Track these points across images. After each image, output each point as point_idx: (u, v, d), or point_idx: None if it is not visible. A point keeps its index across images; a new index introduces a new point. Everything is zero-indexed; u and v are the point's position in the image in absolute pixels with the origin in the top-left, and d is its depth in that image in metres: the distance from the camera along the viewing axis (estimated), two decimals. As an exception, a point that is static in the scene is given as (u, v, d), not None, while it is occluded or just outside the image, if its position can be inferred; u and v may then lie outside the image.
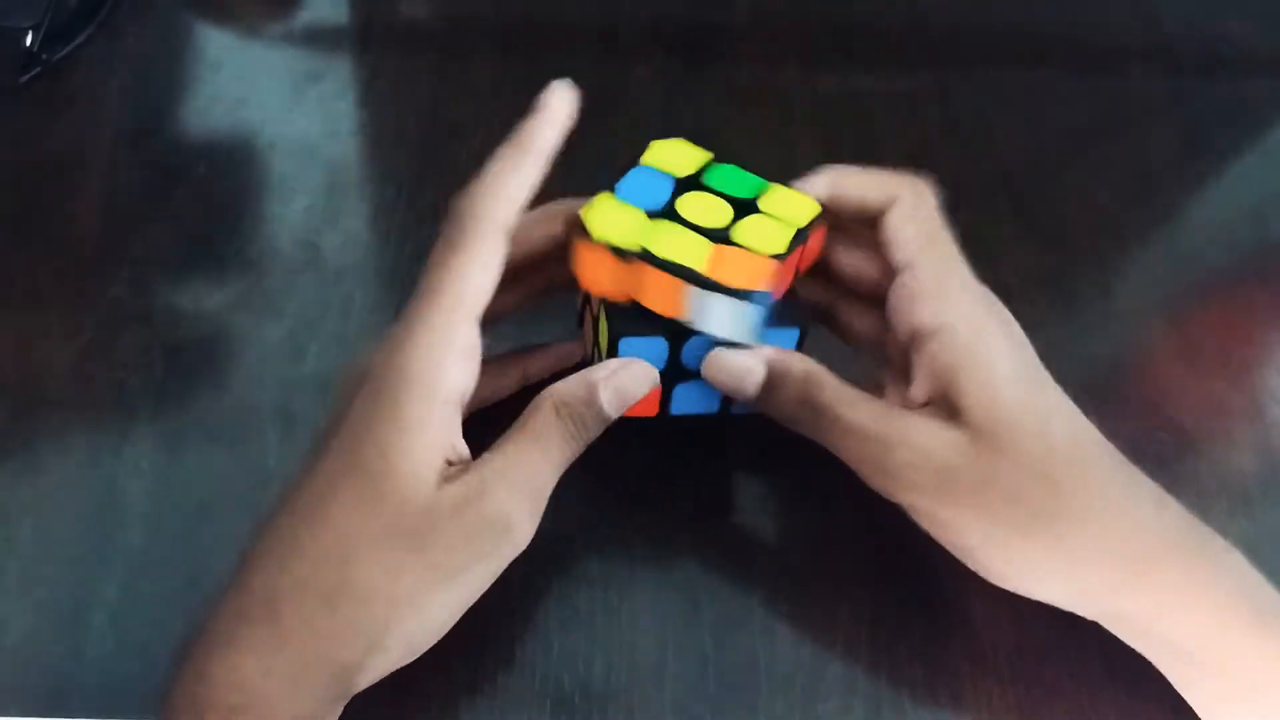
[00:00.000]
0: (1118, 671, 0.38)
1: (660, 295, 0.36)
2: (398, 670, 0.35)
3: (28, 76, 0.53)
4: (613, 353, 0.37)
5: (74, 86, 0.54)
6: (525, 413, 0.35)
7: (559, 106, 0.37)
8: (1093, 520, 0.34)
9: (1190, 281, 0.51)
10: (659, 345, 0.37)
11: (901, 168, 0.52)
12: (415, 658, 0.34)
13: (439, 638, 0.34)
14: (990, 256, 0.49)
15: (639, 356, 0.37)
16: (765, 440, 0.40)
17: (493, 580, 0.34)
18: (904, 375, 0.38)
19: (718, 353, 0.37)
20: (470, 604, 0.34)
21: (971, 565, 0.37)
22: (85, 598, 0.39)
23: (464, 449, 0.34)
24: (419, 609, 0.33)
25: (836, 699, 0.38)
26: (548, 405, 0.35)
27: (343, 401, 0.34)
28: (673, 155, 0.40)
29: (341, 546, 0.32)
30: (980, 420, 0.34)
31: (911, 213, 0.38)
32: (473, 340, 0.34)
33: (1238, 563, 0.35)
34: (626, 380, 0.36)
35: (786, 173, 0.52)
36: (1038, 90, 0.57)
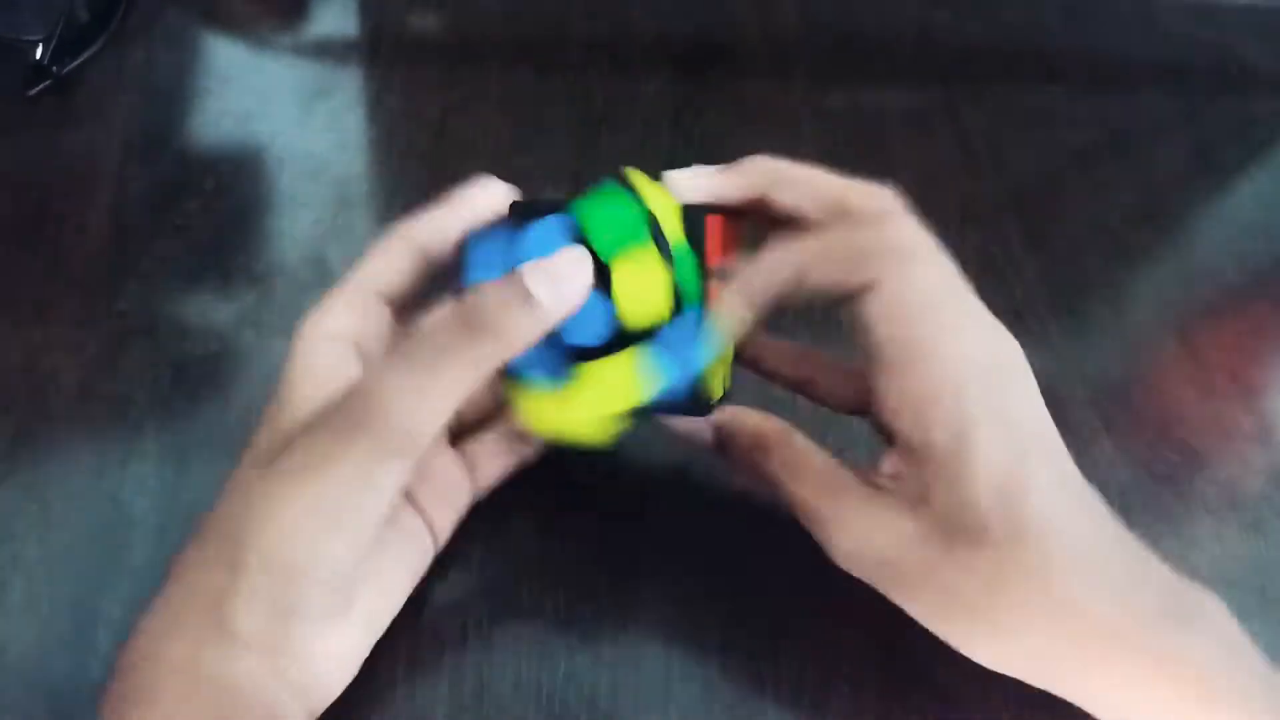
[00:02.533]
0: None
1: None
2: (401, 690, 0.35)
3: (37, 89, 0.53)
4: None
5: (83, 99, 0.54)
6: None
7: (472, 199, 0.37)
8: (1047, 607, 0.32)
9: (1201, 300, 0.51)
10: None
11: (911, 186, 0.53)
12: (298, 585, 0.31)
13: (329, 563, 0.32)
14: (1000, 275, 0.50)
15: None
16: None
17: (375, 489, 0.32)
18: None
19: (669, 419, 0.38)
20: (355, 522, 0.32)
21: None
22: (90, 615, 0.39)
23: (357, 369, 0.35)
24: (271, 521, 0.31)
25: (844, 722, 0.37)
26: (461, 299, 0.33)
27: None
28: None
29: (232, 479, 0.33)
30: (943, 524, 0.32)
31: (893, 300, 0.33)
32: (364, 303, 0.36)
33: (1223, 632, 0.32)
34: (555, 260, 0.33)
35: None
36: (1047, 108, 0.57)
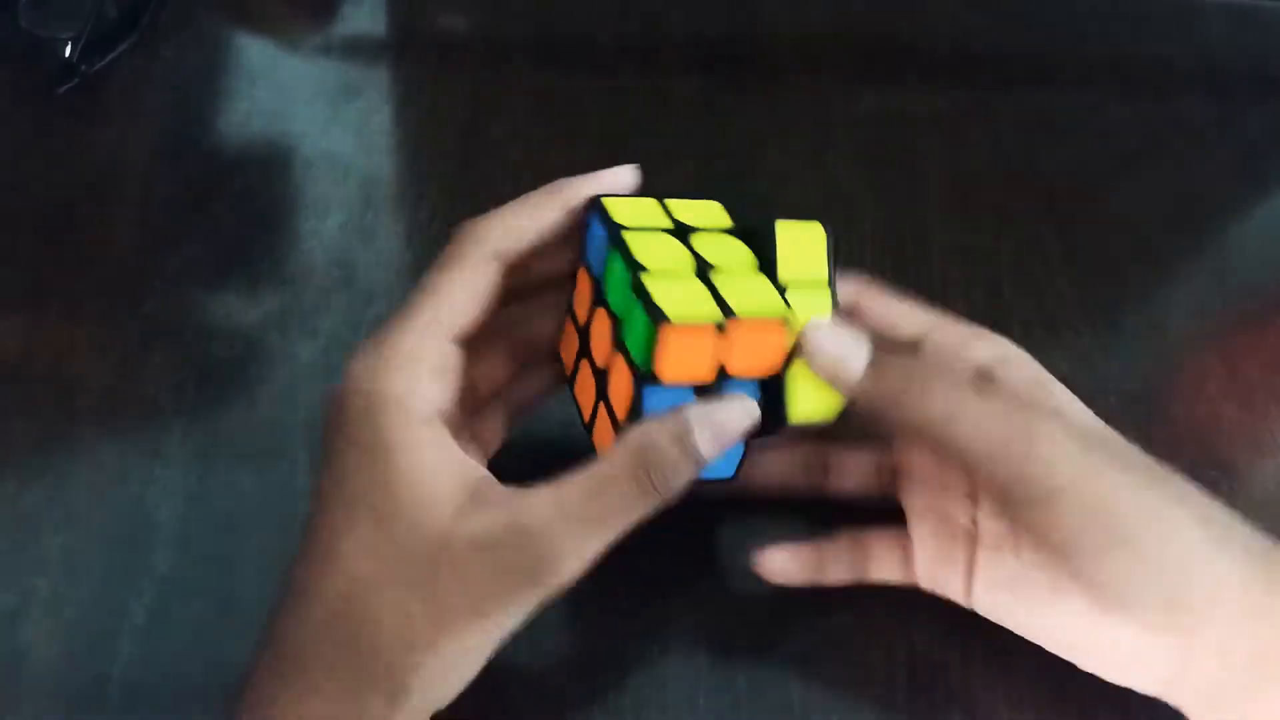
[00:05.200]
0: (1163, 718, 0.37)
1: (757, 353, 0.34)
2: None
3: (66, 87, 0.53)
4: (636, 409, 0.33)
5: (112, 98, 0.54)
6: (610, 449, 0.32)
7: (611, 178, 0.36)
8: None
9: (1239, 311, 0.50)
10: (685, 395, 0.33)
11: (945, 191, 0.52)
12: (450, 699, 0.32)
13: (472, 677, 0.32)
14: (1035, 284, 0.49)
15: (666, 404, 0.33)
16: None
17: (524, 618, 0.31)
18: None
19: (817, 323, 0.34)
20: (502, 642, 0.32)
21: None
22: (114, 619, 0.39)
23: (479, 469, 0.32)
24: (438, 652, 0.30)
25: (873, 742, 0.37)
26: (630, 446, 0.31)
27: (328, 432, 0.33)
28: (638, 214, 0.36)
29: (353, 589, 0.31)
30: (1084, 421, 0.35)
31: (891, 295, 0.37)
32: (450, 358, 0.33)
33: None
34: (724, 417, 0.32)
35: (826, 194, 0.51)
36: (1084, 114, 0.56)
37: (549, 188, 0.35)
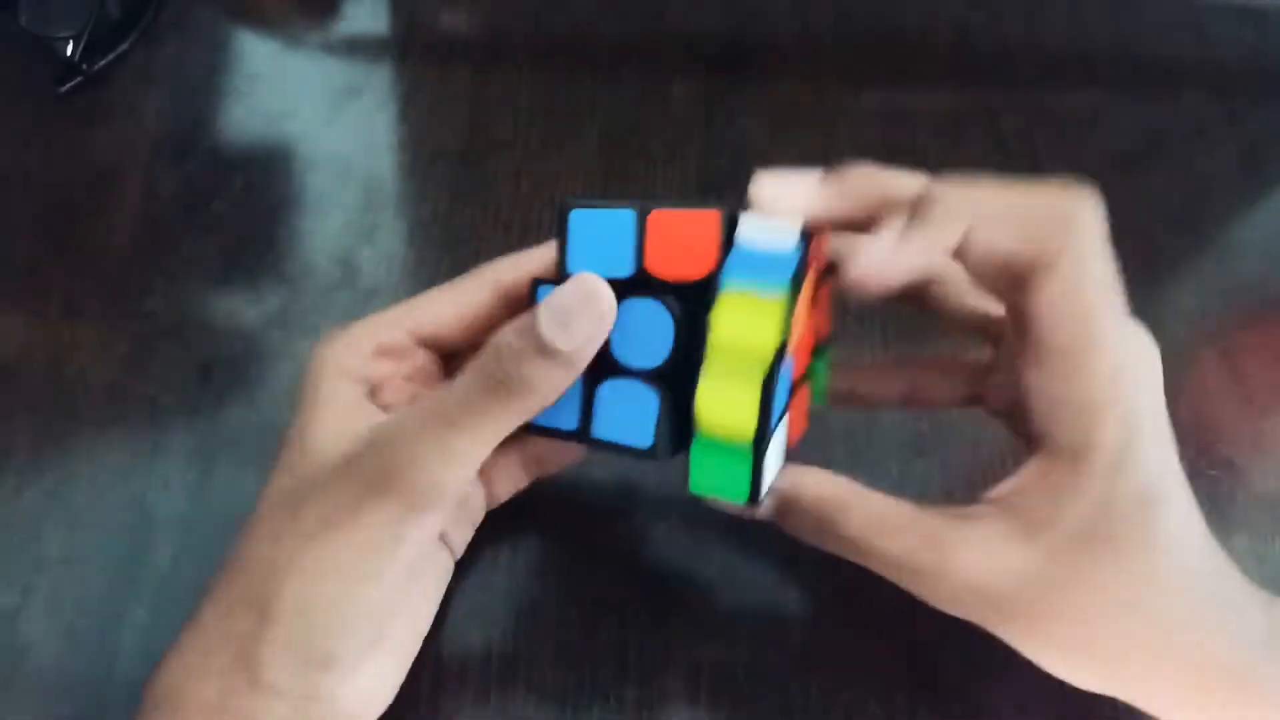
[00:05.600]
0: None
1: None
2: (424, 706, 0.35)
3: (68, 86, 0.53)
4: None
5: (113, 97, 0.54)
6: None
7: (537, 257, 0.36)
8: (1176, 630, 0.31)
9: (1242, 311, 0.50)
10: (624, 220, 0.32)
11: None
12: (328, 633, 0.31)
13: (354, 611, 0.31)
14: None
15: None
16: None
17: (398, 543, 0.31)
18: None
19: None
20: (378, 572, 0.31)
21: None
22: (115, 617, 0.39)
23: (380, 414, 0.33)
24: (301, 571, 0.30)
25: (874, 740, 0.37)
26: (483, 349, 0.31)
27: None
28: None
29: (250, 523, 0.33)
30: (1070, 543, 0.31)
31: (1074, 282, 0.31)
32: (399, 343, 0.35)
33: None
34: (565, 297, 0.30)
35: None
36: (1088, 112, 0.56)
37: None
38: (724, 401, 0.30)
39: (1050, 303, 0.31)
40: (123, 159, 0.51)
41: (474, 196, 0.50)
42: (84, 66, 0.53)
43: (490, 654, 0.38)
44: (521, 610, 0.39)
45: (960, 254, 0.31)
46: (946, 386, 0.38)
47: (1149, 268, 0.50)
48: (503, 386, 0.30)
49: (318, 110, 0.54)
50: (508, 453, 0.37)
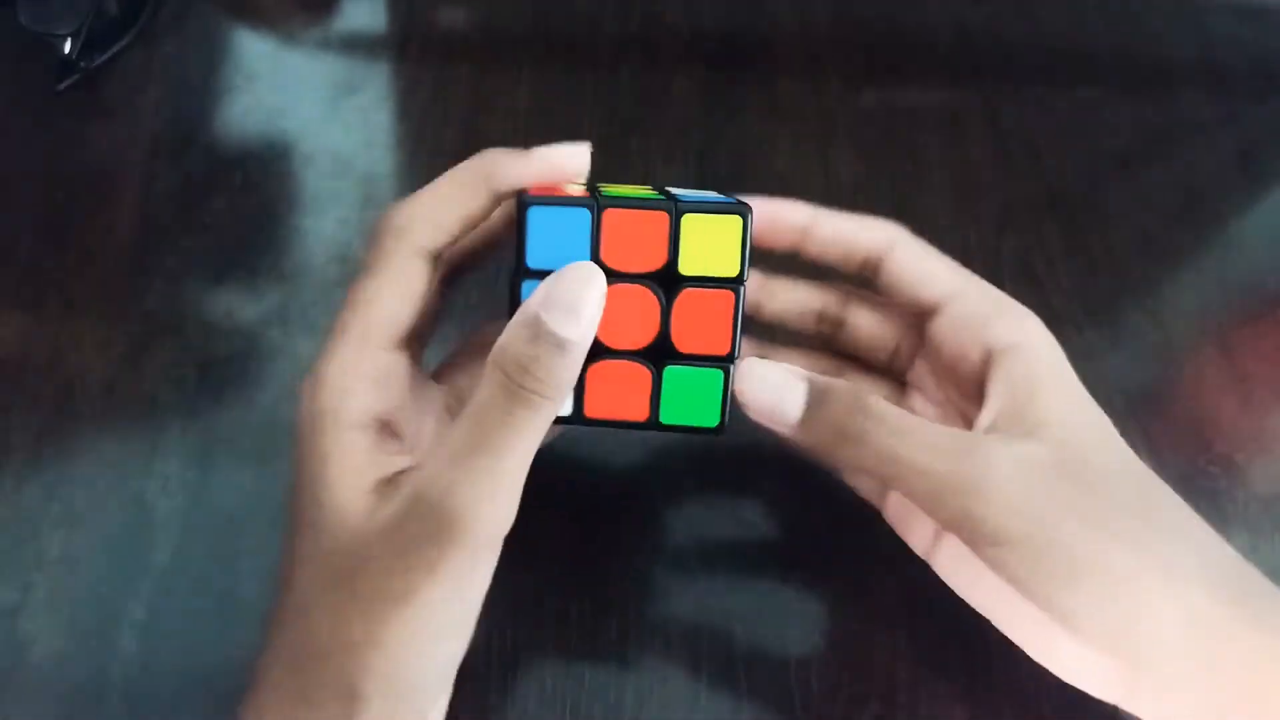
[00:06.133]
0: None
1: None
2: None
3: (66, 84, 0.53)
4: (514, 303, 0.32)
5: (111, 95, 0.54)
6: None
7: (554, 157, 0.33)
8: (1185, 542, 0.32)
9: (1241, 308, 0.50)
10: (580, 218, 0.32)
11: (947, 187, 0.52)
12: (424, 696, 0.31)
13: (439, 667, 0.31)
14: (1037, 280, 0.49)
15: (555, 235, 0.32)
16: (803, 469, 0.40)
17: (474, 588, 0.30)
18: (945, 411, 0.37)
19: (750, 363, 0.33)
20: (458, 621, 0.31)
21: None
22: (113, 615, 0.39)
23: (396, 461, 0.31)
24: (381, 647, 0.29)
25: (874, 737, 0.37)
26: (488, 366, 0.30)
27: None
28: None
29: (298, 602, 0.30)
30: (1062, 436, 0.32)
31: (924, 250, 0.37)
32: (386, 365, 0.32)
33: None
34: (565, 287, 0.30)
35: (827, 189, 0.51)
36: (1087, 110, 0.56)
37: (473, 167, 0.33)
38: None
39: (918, 262, 0.36)
40: (121, 156, 0.51)
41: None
42: (82, 64, 0.53)
43: (490, 654, 0.38)
44: (521, 610, 0.39)
45: (817, 244, 0.37)
46: (873, 330, 0.39)
47: (1146, 265, 0.50)
48: (527, 393, 0.29)
49: (316, 107, 0.54)
50: (428, 410, 0.36)
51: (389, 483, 0.30)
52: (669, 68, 0.56)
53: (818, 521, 0.41)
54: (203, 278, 0.47)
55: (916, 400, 0.39)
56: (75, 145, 0.52)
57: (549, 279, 0.31)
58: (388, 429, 0.32)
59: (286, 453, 0.42)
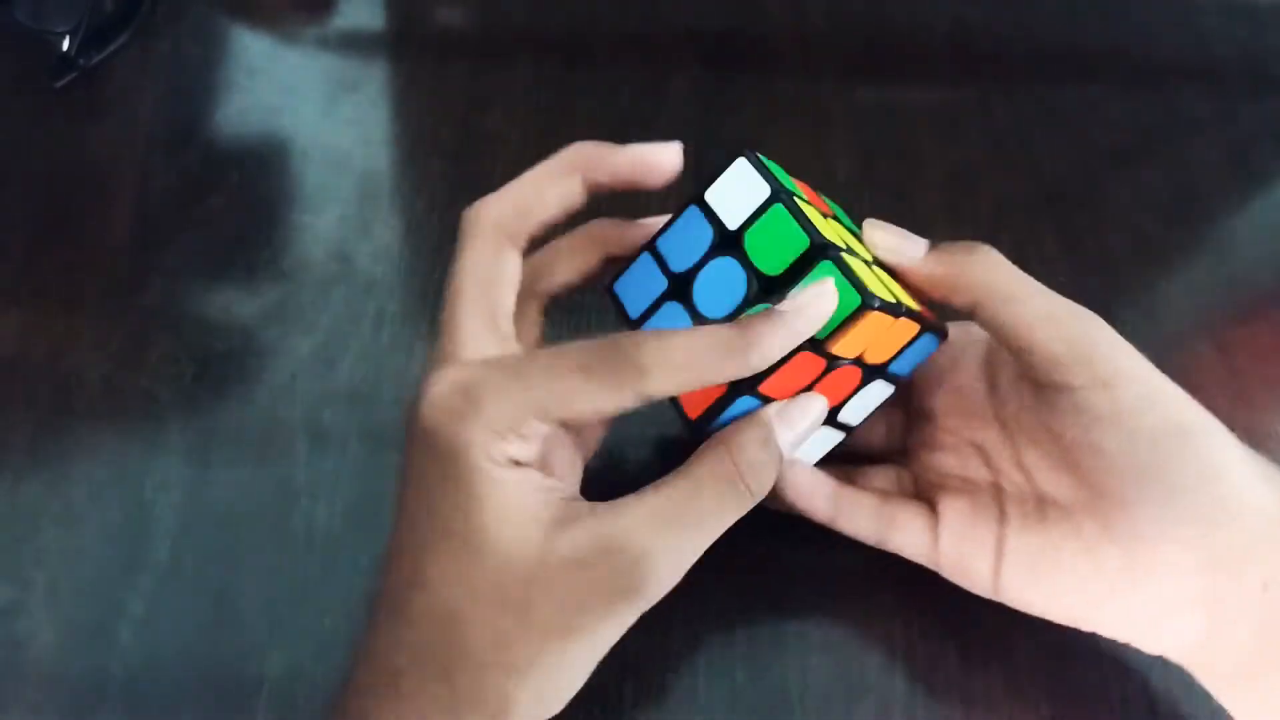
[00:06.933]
0: (1160, 710, 0.37)
1: (887, 345, 0.35)
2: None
3: (64, 81, 0.53)
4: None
5: (109, 92, 0.54)
6: (691, 458, 0.32)
7: (648, 155, 0.35)
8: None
9: (1235, 305, 0.50)
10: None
11: (942, 185, 0.52)
12: (557, 711, 0.31)
13: (577, 688, 0.32)
14: (1032, 277, 0.49)
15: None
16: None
17: (622, 630, 0.31)
18: None
19: (873, 222, 0.36)
20: (603, 655, 0.31)
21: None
22: (112, 611, 0.39)
23: (563, 489, 0.32)
24: (540, 671, 0.30)
25: (871, 732, 0.37)
26: (718, 450, 0.32)
27: (414, 455, 0.32)
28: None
29: (447, 612, 0.30)
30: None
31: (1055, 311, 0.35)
32: (505, 349, 0.33)
33: None
34: (798, 408, 0.34)
35: (824, 186, 0.51)
36: (1082, 107, 0.56)
37: (566, 155, 0.35)
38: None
39: (1126, 404, 0.34)
40: (119, 154, 0.51)
41: (470, 191, 0.50)
42: (80, 61, 0.53)
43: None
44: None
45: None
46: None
47: (1141, 263, 0.50)
48: (746, 492, 0.32)
49: (314, 105, 0.54)
50: (565, 444, 0.36)
51: (565, 515, 0.31)
52: (666, 65, 0.56)
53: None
54: (201, 275, 0.47)
55: (946, 496, 0.38)
56: (73, 143, 0.52)
57: (793, 403, 0.34)
58: (535, 446, 0.32)
59: (286, 448, 0.42)
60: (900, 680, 0.38)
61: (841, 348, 0.33)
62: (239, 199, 0.50)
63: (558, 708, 0.31)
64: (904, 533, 0.37)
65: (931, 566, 0.37)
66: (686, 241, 0.34)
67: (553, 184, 0.34)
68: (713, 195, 0.34)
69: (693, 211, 0.35)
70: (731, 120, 0.54)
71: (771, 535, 0.41)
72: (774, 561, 0.41)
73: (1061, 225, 0.51)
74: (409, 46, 0.57)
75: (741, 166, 0.34)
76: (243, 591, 0.39)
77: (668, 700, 0.37)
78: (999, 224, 0.51)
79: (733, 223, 0.34)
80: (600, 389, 0.30)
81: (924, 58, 0.58)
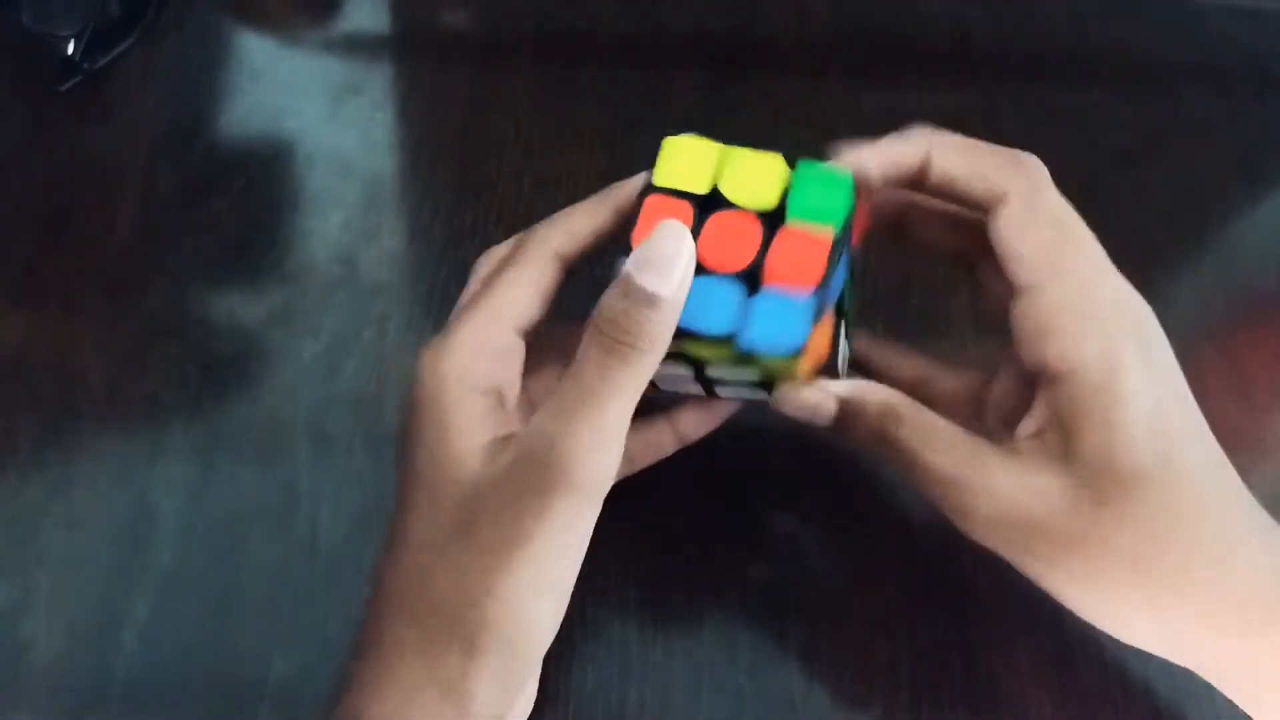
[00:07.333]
0: (1163, 713, 0.37)
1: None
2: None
3: (68, 84, 0.53)
4: None
5: (114, 95, 0.54)
6: None
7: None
8: (1202, 573, 0.31)
9: (1239, 309, 0.50)
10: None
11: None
12: (536, 652, 0.32)
13: (548, 623, 0.32)
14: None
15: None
16: (806, 477, 0.40)
17: (577, 539, 0.31)
18: (1011, 391, 0.36)
19: (786, 388, 0.35)
20: (563, 577, 0.32)
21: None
22: (116, 615, 0.39)
23: (514, 420, 0.33)
24: (497, 598, 0.30)
25: (874, 739, 0.37)
26: (587, 327, 0.32)
27: (404, 426, 0.34)
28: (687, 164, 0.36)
29: (416, 557, 0.32)
30: (1095, 473, 0.31)
31: (1029, 216, 0.34)
32: (510, 344, 0.34)
33: None
34: (656, 246, 0.32)
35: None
36: (1086, 111, 0.56)
37: (606, 191, 0.37)
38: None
39: (1014, 230, 0.33)
40: (123, 157, 0.51)
41: (474, 194, 0.50)
42: (84, 65, 0.53)
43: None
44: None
45: (925, 177, 0.35)
46: (952, 390, 0.39)
47: (1146, 266, 0.49)
48: (621, 346, 0.31)
49: (318, 108, 0.54)
50: (655, 421, 0.39)
51: (503, 440, 0.32)
52: (670, 69, 0.56)
53: (820, 526, 0.42)
54: (204, 278, 0.48)
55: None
56: (77, 146, 0.52)
57: (642, 242, 0.32)
58: (501, 399, 0.34)
59: (289, 452, 0.42)
60: (904, 686, 0.38)
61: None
62: (243, 202, 0.50)
63: (538, 639, 0.32)
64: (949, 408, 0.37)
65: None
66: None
67: (594, 210, 0.36)
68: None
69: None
70: (735, 124, 0.54)
71: (773, 542, 0.41)
72: (776, 568, 0.41)
73: (1066, 228, 0.51)
74: (413, 49, 0.57)
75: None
76: (245, 595, 0.39)
77: (670, 707, 0.37)
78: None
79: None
80: (522, 270, 0.35)
81: (928, 60, 0.58)
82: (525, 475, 0.31)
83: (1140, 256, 0.50)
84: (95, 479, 0.42)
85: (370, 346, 0.45)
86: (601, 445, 0.31)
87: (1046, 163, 0.53)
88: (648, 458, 0.39)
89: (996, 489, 0.32)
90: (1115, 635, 0.34)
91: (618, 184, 0.37)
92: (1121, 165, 0.54)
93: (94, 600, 0.39)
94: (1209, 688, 0.34)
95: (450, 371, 0.33)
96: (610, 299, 0.32)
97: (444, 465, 0.32)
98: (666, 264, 0.32)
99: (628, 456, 0.37)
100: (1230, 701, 0.33)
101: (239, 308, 0.47)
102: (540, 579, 0.31)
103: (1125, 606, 0.33)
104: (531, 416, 0.32)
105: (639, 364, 0.31)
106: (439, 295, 0.47)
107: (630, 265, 0.32)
